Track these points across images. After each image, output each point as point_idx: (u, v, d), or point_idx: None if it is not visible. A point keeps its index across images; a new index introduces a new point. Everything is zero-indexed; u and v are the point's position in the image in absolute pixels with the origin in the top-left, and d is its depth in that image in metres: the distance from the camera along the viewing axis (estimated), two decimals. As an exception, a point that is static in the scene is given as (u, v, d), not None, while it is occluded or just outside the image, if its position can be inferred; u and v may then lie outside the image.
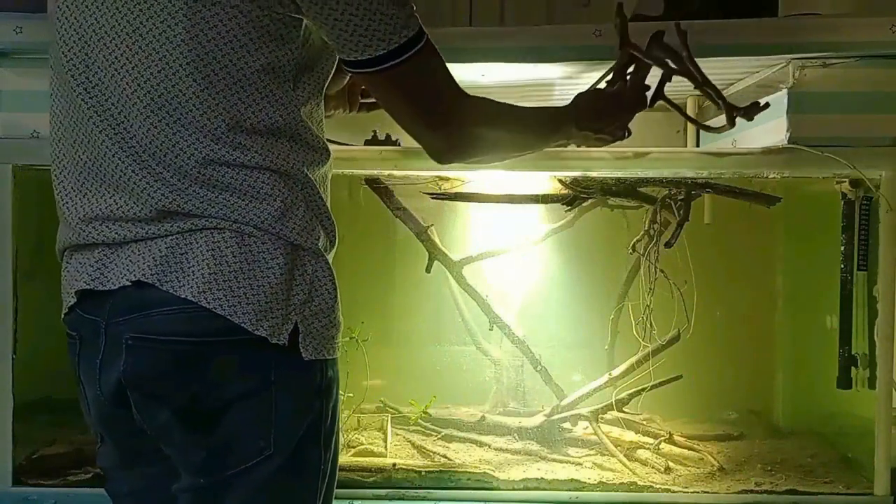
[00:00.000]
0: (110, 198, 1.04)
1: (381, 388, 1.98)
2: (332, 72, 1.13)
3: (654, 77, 1.50)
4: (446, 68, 1.12)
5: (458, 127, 1.15)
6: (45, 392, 1.85)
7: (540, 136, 1.34)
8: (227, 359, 1.02)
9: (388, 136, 1.71)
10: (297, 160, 1.05)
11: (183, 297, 0.99)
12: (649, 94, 1.48)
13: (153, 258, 1.01)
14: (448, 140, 1.17)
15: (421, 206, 1.83)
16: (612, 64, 1.50)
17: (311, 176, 1.07)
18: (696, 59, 1.49)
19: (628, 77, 1.46)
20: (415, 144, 1.66)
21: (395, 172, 1.64)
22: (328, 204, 1.12)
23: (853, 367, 1.68)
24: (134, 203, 1.02)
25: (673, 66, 1.43)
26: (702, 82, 1.46)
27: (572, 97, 1.42)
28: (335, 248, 1.13)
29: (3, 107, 1.64)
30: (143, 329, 1.01)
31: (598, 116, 1.40)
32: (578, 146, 1.49)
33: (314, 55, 1.08)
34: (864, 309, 1.67)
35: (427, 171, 1.67)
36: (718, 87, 1.51)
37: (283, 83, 1.03)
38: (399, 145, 1.67)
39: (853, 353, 1.69)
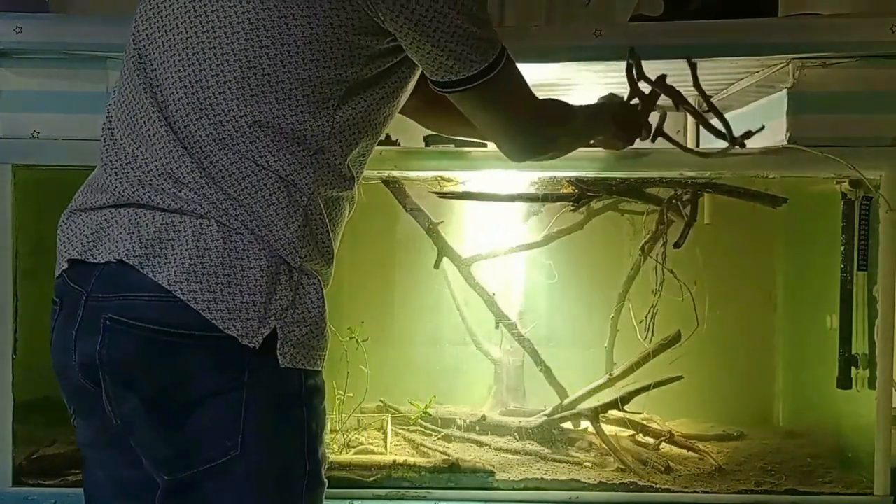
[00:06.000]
0: (137, 149, 1.05)
1: (381, 388, 1.97)
2: (391, 120, 1.16)
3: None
4: (520, 73, 1.19)
5: (535, 130, 1.27)
6: (45, 392, 1.84)
7: (585, 135, 1.48)
8: (198, 354, 0.99)
9: (387, 137, 1.70)
10: (310, 175, 1.05)
11: (160, 283, 0.98)
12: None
13: (139, 239, 1.00)
14: (526, 142, 1.28)
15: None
16: (616, 65, 1.58)
17: (320, 195, 1.07)
18: (697, 60, 1.55)
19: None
20: (414, 145, 1.66)
21: (394, 173, 1.64)
22: (335, 228, 1.11)
23: (853, 367, 1.68)
24: (150, 156, 1.03)
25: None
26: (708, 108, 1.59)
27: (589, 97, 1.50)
28: (331, 266, 1.12)
29: (3, 107, 1.64)
30: (120, 312, 1.00)
31: (620, 128, 1.52)
32: (592, 145, 1.59)
33: (368, 86, 1.09)
34: (864, 309, 1.67)
35: (425, 172, 1.67)
36: (718, 86, 1.53)
37: (326, 101, 1.04)
38: (398, 145, 1.67)
39: (853, 353, 1.68)
